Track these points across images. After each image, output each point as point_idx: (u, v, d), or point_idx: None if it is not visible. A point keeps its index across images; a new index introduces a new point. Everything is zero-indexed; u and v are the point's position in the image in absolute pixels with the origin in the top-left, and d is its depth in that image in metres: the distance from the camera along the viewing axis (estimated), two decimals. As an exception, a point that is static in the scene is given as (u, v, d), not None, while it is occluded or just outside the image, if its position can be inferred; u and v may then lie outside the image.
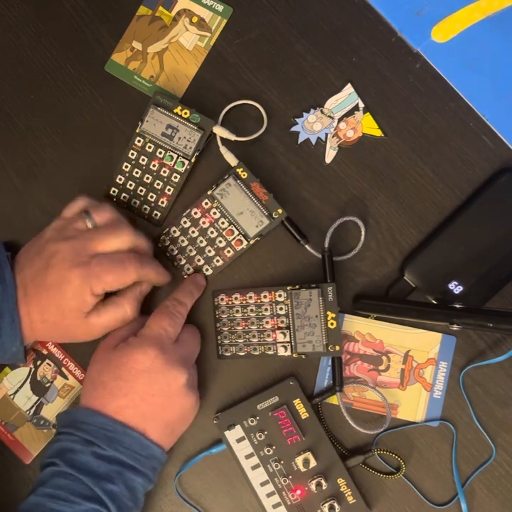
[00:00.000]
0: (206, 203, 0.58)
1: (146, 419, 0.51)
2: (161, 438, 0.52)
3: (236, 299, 0.58)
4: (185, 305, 0.55)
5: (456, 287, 0.56)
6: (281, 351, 0.56)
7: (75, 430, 0.50)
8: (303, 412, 0.56)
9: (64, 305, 0.52)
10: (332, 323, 0.55)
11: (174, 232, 0.59)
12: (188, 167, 0.59)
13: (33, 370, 0.60)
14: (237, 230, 0.58)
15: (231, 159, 0.59)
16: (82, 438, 0.49)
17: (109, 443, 0.49)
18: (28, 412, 0.60)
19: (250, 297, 0.58)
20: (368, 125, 0.59)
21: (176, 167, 0.59)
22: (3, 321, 0.52)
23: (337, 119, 0.60)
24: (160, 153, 0.59)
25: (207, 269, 0.59)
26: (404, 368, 0.57)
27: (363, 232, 0.57)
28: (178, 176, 0.59)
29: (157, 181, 0.60)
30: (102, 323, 0.54)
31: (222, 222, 0.58)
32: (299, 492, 0.55)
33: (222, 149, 0.59)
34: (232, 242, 0.58)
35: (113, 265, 0.52)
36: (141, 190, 0.60)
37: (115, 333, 0.55)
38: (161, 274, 0.56)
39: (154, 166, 0.59)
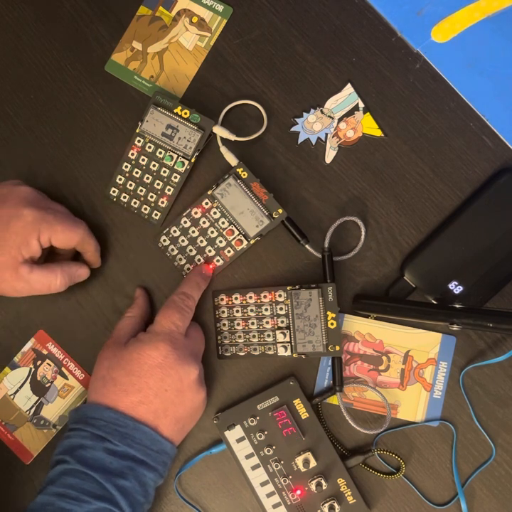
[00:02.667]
0: (206, 203, 0.58)
1: (159, 416, 0.51)
2: (172, 434, 0.52)
3: (236, 299, 0.58)
4: (192, 298, 0.55)
5: (456, 287, 0.56)
6: (281, 351, 0.56)
7: (85, 426, 0.50)
8: (303, 412, 0.56)
9: (7, 239, 0.52)
10: (332, 323, 0.55)
11: (174, 231, 0.59)
12: (188, 167, 0.59)
13: (33, 370, 0.60)
14: (238, 229, 0.58)
15: (231, 159, 0.59)
16: (93, 433, 0.49)
17: (121, 438, 0.49)
18: (28, 412, 0.60)
19: (250, 297, 0.58)
20: (367, 125, 0.59)
21: (175, 167, 0.59)
22: None
23: (337, 119, 0.60)
24: (160, 153, 0.59)
25: (207, 269, 0.59)
26: (404, 368, 0.57)
27: (363, 232, 0.57)
28: (178, 176, 0.59)
29: (157, 181, 0.60)
30: (28, 280, 0.53)
31: (223, 222, 0.58)
32: (299, 492, 0.55)
33: (223, 149, 0.59)
34: (233, 242, 0.58)
35: (66, 219, 0.55)
36: (141, 190, 0.60)
37: (120, 330, 0.55)
38: (98, 253, 0.58)
39: (154, 166, 0.59)
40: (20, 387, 0.60)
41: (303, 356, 0.56)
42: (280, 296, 0.57)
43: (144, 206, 0.60)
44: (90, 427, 0.50)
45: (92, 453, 0.48)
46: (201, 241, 0.59)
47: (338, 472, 0.55)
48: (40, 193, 0.56)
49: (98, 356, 0.54)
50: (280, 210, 0.57)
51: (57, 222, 0.53)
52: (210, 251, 0.59)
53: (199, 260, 0.59)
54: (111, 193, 0.61)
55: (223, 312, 0.58)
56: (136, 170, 0.60)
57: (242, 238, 0.58)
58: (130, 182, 0.60)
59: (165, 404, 0.51)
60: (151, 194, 0.60)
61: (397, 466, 0.57)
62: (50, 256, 0.58)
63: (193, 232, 0.59)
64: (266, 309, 0.57)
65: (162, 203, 0.60)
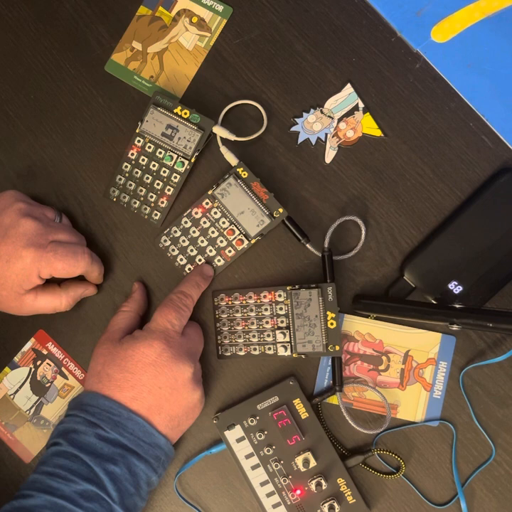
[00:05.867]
0: (207, 203, 0.58)
1: (153, 412, 0.51)
2: (166, 430, 0.52)
3: (236, 298, 0.58)
4: (191, 297, 0.56)
5: (456, 287, 0.56)
6: (281, 351, 0.56)
7: (80, 412, 0.50)
8: (303, 412, 0.56)
9: (7, 277, 0.53)
10: (332, 323, 0.55)
11: (175, 232, 0.59)
12: (188, 167, 0.59)
13: (33, 370, 0.60)
14: (238, 229, 0.58)
15: (232, 159, 0.59)
16: (86, 419, 0.50)
17: (113, 426, 0.49)
18: (28, 412, 0.60)
19: (250, 297, 0.58)
20: (367, 125, 0.59)
21: (175, 167, 0.59)
22: None
23: (337, 119, 0.60)
24: (160, 153, 0.59)
25: (207, 269, 0.59)
26: (404, 367, 0.57)
27: (363, 232, 0.57)
28: (178, 176, 0.59)
29: (157, 181, 0.60)
30: (34, 306, 0.55)
31: (223, 222, 0.58)
32: (298, 492, 0.55)
33: (223, 149, 0.59)
34: (233, 242, 0.58)
35: (66, 254, 0.54)
36: (141, 190, 0.60)
37: (115, 325, 0.56)
38: (101, 276, 0.58)
39: (154, 166, 0.59)
40: (20, 387, 0.60)
41: (303, 356, 0.56)
42: (280, 296, 0.57)
43: (144, 206, 0.60)
44: (84, 413, 0.50)
45: (84, 438, 0.49)
46: (202, 241, 0.59)
47: (338, 472, 0.55)
48: (40, 223, 0.54)
49: (93, 352, 0.55)
50: (281, 210, 0.57)
51: (56, 260, 0.53)
52: (210, 251, 0.59)
53: (200, 260, 0.59)
54: (111, 193, 0.61)
55: (223, 312, 0.58)
56: (136, 170, 0.60)
57: (243, 238, 0.58)
58: (130, 182, 0.60)
59: (159, 401, 0.51)
60: (151, 194, 0.60)
61: (397, 466, 0.57)
62: None
63: (194, 232, 0.59)
64: (266, 309, 0.57)
65: (162, 203, 0.60)
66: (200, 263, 0.59)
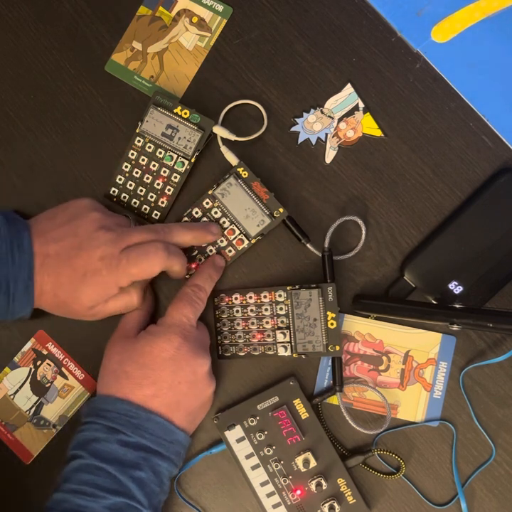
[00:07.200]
0: (207, 203, 0.58)
1: (172, 408, 0.51)
2: (184, 424, 0.52)
3: (236, 299, 0.58)
4: (205, 290, 0.55)
5: (456, 287, 0.56)
6: (281, 351, 0.56)
7: (98, 418, 0.50)
8: (303, 412, 0.56)
9: (81, 291, 0.51)
10: (332, 323, 0.55)
11: (174, 232, 0.59)
12: (188, 167, 0.59)
13: (33, 370, 0.60)
14: (239, 229, 0.58)
15: (232, 159, 0.59)
16: (106, 426, 0.49)
17: (134, 429, 0.49)
18: (28, 412, 0.60)
19: (250, 297, 0.58)
20: (367, 125, 0.59)
21: (175, 167, 0.59)
22: (17, 289, 0.51)
23: (337, 119, 0.60)
24: (160, 153, 0.59)
25: (207, 269, 0.59)
26: (404, 368, 0.57)
27: (363, 232, 0.57)
28: (178, 176, 0.59)
29: (157, 181, 0.60)
30: (107, 310, 0.54)
31: (224, 222, 0.58)
32: (299, 492, 0.55)
33: (223, 149, 0.59)
34: (234, 242, 0.58)
35: (139, 257, 0.51)
36: (141, 190, 0.60)
37: (127, 323, 0.55)
38: (184, 268, 0.55)
39: (154, 166, 0.59)
40: (20, 387, 0.60)
41: (303, 356, 0.56)
42: (280, 296, 0.57)
43: (144, 206, 0.60)
44: (103, 419, 0.50)
45: (106, 445, 0.49)
46: (201, 241, 0.59)
47: (338, 472, 0.55)
48: (113, 233, 0.52)
49: (106, 351, 0.54)
50: (281, 210, 0.57)
51: (130, 265, 0.51)
52: (211, 251, 0.58)
53: (200, 260, 0.59)
54: (111, 193, 0.61)
55: (223, 312, 0.58)
56: (136, 170, 0.60)
57: (243, 238, 0.58)
58: (130, 182, 0.60)
59: (178, 396, 0.51)
60: (151, 194, 0.60)
61: (397, 466, 0.57)
62: None
63: (193, 232, 0.59)
64: (266, 309, 0.57)
65: (162, 202, 0.60)
66: (199, 262, 0.59)
